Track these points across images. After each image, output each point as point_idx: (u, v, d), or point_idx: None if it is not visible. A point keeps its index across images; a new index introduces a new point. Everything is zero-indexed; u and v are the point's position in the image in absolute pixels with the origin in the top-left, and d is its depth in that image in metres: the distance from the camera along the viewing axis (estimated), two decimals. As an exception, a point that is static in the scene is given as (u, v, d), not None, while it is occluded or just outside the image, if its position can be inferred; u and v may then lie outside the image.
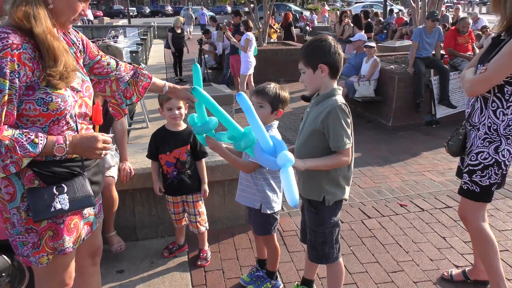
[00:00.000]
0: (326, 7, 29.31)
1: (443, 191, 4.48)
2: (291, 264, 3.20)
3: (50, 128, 1.74)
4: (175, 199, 3.13)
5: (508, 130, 2.39)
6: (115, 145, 3.24)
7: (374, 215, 3.94)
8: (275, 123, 2.66)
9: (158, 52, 17.64)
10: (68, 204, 1.78)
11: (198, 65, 2.22)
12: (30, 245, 1.79)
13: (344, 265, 3.12)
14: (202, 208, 3.18)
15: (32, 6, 1.65)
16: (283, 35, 13.94)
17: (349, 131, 2.18)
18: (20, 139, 1.61)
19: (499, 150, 2.42)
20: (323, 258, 2.44)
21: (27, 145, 1.62)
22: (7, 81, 1.57)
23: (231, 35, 9.18)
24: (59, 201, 1.75)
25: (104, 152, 1.85)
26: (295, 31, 17.18)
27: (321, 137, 2.22)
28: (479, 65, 2.49)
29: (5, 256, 2.48)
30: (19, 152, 1.61)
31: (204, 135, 2.35)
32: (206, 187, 3.14)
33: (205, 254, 3.25)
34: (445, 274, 3.00)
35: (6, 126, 1.61)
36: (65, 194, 1.77)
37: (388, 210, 4.05)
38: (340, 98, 2.22)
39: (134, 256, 3.28)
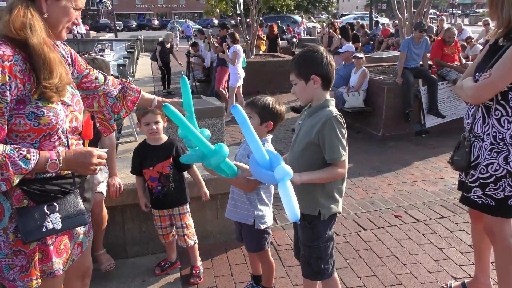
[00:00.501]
0: (305, 20, 29.52)
1: (436, 201, 4.45)
2: (287, 280, 3.12)
3: (41, 144, 1.66)
4: (162, 213, 3.05)
5: None
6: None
7: (369, 227, 3.89)
8: (269, 137, 2.59)
9: (145, 66, 17.56)
10: (60, 223, 1.69)
11: (186, 78, 2.14)
12: (17, 268, 1.69)
13: (341, 279, 3.07)
14: (189, 220, 3.10)
15: (28, 16, 1.58)
16: (268, 47, 13.97)
17: (344, 142, 2.13)
18: (11, 155, 1.53)
19: (508, 160, 2.33)
20: (318, 274, 2.35)
21: (19, 161, 1.54)
22: None
23: (215, 43, 9.20)
24: (51, 221, 1.67)
25: (99, 167, 1.77)
26: (282, 43, 17.28)
27: (316, 149, 2.16)
28: (477, 74, 2.45)
29: None
30: (10, 169, 1.52)
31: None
32: (205, 189, 3.11)
33: (197, 271, 3.15)
34: (444, 286, 2.94)
35: None
36: (57, 213, 1.69)
37: (383, 221, 4.00)
38: (334, 109, 2.17)
39: (124, 274, 3.17)
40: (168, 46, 11.69)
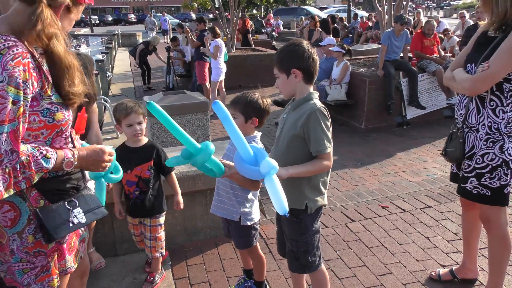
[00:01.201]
0: (271, 14, 29.44)
1: (421, 191, 4.54)
2: (279, 272, 3.14)
3: (53, 141, 1.66)
4: (134, 221, 2.93)
5: (509, 127, 2.37)
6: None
7: (357, 218, 3.94)
8: (258, 134, 2.55)
9: (123, 61, 17.32)
10: (84, 217, 1.75)
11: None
12: (37, 270, 1.69)
13: (332, 271, 3.11)
14: (160, 233, 2.94)
15: (55, 27, 1.60)
16: (241, 42, 13.94)
17: (329, 134, 2.14)
18: (34, 153, 1.52)
19: (504, 149, 2.38)
20: (306, 267, 2.37)
21: (40, 159, 1.54)
22: (21, 92, 1.46)
23: (193, 37, 9.14)
24: (76, 215, 1.71)
25: (108, 164, 1.82)
26: (261, 36, 17.24)
27: (301, 142, 2.17)
28: (468, 65, 2.49)
29: None
30: (33, 168, 1.51)
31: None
32: (179, 198, 2.95)
33: (151, 278, 3.00)
34: (433, 274, 3.01)
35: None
36: (79, 208, 1.73)
37: (370, 212, 4.06)
38: (318, 102, 2.18)
39: (115, 272, 3.14)
40: (151, 48, 11.54)
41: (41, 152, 1.55)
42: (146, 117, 2.87)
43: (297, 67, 2.15)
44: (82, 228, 1.90)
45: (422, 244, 3.46)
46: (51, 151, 1.59)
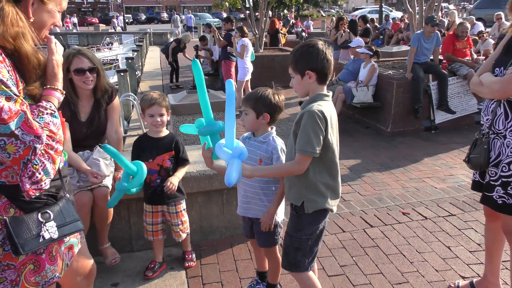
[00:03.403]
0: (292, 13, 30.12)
1: (445, 198, 4.40)
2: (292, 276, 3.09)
3: None
4: (155, 208, 3.02)
5: None
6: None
7: (376, 224, 3.85)
8: (273, 131, 2.55)
9: (154, 59, 17.57)
10: (57, 232, 1.63)
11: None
12: (7, 283, 1.61)
13: (347, 276, 3.06)
14: (185, 217, 3.09)
15: (20, 25, 1.52)
16: (269, 42, 13.87)
17: (315, 140, 2.07)
18: (46, 121, 1.56)
19: None
20: (293, 265, 2.35)
21: (51, 118, 1.58)
22: (9, 88, 1.44)
23: (220, 37, 9.18)
24: (47, 229, 1.60)
25: None
26: (292, 36, 17.16)
27: None
28: (496, 69, 2.38)
29: None
30: (53, 130, 1.56)
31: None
32: (174, 180, 2.88)
33: (190, 255, 3.22)
34: (452, 285, 2.90)
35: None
36: (53, 221, 1.63)
37: (390, 218, 3.96)
38: (319, 104, 2.14)
39: (129, 268, 3.17)
40: (182, 46, 11.78)
41: (47, 113, 1.56)
42: (170, 111, 3.00)
43: (311, 68, 2.15)
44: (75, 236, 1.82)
45: (442, 254, 3.34)
46: (48, 104, 1.59)
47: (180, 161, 3.00)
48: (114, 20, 37.55)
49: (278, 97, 2.48)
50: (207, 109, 2.21)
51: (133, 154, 3.00)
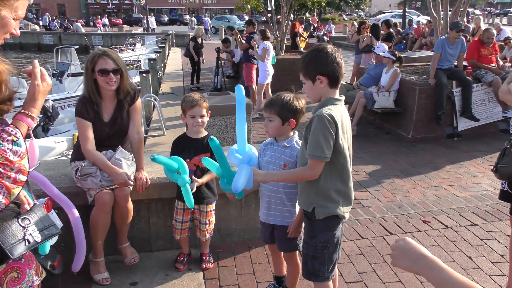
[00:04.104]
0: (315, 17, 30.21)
1: (467, 207, 4.31)
2: (310, 282, 3.07)
3: None
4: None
5: None
6: (131, 154, 3.17)
7: (396, 231, 3.80)
8: (296, 135, 2.55)
9: (175, 60, 17.75)
10: (39, 235, 1.67)
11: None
12: None
13: (365, 284, 3.03)
14: (212, 217, 3.16)
15: None
16: (291, 45, 13.83)
17: (325, 145, 2.06)
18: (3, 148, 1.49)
19: None
20: (312, 274, 2.33)
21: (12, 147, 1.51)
22: None
23: (241, 40, 9.19)
24: (31, 233, 1.64)
25: None
26: (313, 40, 17.10)
27: None
28: None
29: None
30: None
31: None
32: (200, 181, 2.93)
33: (207, 257, 3.26)
34: (473, 296, 2.84)
35: None
36: (34, 225, 1.67)
37: (410, 226, 3.90)
38: (330, 109, 2.12)
39: (148, 268, 3.20)
40: (199, 41, 11.80)
41: (8, 140, 1.48)
42: (210, 112, 3.08)
43: (321, 72, 2.14)
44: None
45: (463, 264, 3.28)
46: (13, 130, 1.52)
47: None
48: (144, 20, 38.67)
49: (302, 102, 2.49)
50: (228, 172, 2.23)
51: (172, 153, 3.05)
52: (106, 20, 41.85)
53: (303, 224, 2.58)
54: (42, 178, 2.45)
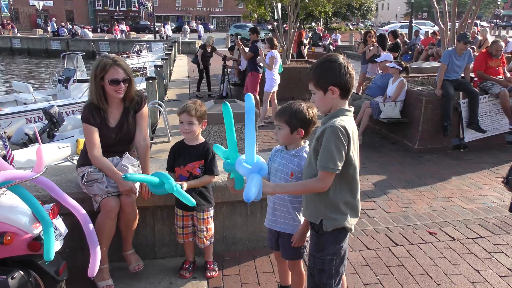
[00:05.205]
0: (320, 27, 30.54)
1: (474, 219, 4.27)
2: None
3: None
4: (185, 212, 3.09)
5: None
6: (138, 161, 3.17)
7: (402, 243, 3.76)
8: (306, 145, 2.53)
9: (182, 67, 17.81)
10: None
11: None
12: None
13: (371, 296, 2.98)
14: (210, 224, 3.14)
15: None
16: (296, 54, 13.87)
17: (338, 156, 2.03)
18: None
19: None
20: None
21: None
22: None
23: (243, 48, 9.19)
24: None
25: None
26: (319, 49, 17.15)
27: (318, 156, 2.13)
28: None
29: (22, 272, 2.41)
30: None
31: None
32: (190, 182, 2.93)
33: (211, 265, 3.24)
34: (480, 310, 2.81)
35: None
36: None
37: (416, 237, 3.87)
38: (342, 120, 2.10)
39: (152, 275, 3.19)
40: (209, 50, 11.85)
41: None
42: (205, 121, 3.04)
43: (334, 83, 2.11)
44: None
45: (471, 277, 3.24)
46: None
47: (206, 169, 3.02)
48: (162, 28, 39.19)
49: (312, 112, 2.46)
50: (234, 148, 2.17)
51: (169, 159, 3.08)
52: (124, 27, 42.40)
53: (308, 234, 2.58)
54: (50, 184, 2.45)
